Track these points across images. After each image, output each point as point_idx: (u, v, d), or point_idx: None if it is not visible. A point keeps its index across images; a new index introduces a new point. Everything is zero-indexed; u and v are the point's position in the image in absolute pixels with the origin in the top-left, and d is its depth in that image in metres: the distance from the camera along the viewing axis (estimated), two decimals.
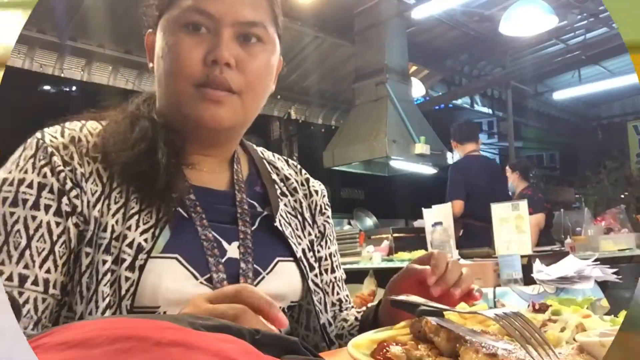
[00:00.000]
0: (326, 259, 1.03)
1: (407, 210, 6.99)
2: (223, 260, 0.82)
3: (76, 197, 0.78)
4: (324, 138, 6.53)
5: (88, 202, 0.78)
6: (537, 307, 0.67)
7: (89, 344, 0.33)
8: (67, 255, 0.77)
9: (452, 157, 5.38)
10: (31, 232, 0.74)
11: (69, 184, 0.78)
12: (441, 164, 5.68)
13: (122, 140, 0.81)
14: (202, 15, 0.80)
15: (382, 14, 5.70)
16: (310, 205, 1.03)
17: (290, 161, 1.08)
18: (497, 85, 9.08)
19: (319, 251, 1.01)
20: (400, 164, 5.45)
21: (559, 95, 9.48)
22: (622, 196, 7.91)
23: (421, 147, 5.24)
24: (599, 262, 2.65)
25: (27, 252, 0.73)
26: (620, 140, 11.10)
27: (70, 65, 6.13)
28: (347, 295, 1.06)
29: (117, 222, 0.78)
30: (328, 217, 1.07)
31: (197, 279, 0.79)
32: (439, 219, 3.19)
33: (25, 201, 0.75)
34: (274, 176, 1.00)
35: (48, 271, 0.74)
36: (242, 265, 0.84)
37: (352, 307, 1.07)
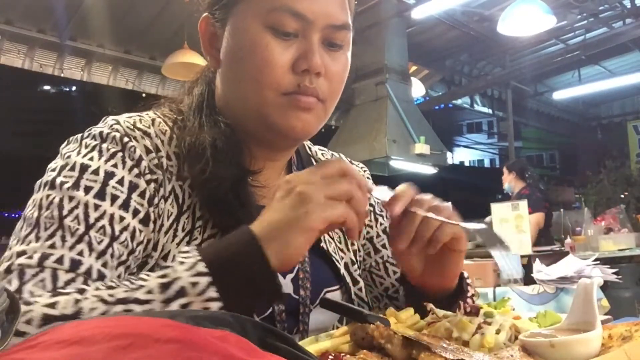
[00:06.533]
0: (379, 236, 0.99)
1: None
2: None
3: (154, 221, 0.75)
4: (324, 138, 6.52)
5: (161, 225, 0.75)
6: (468, 309, 0.68)
7: (88, 342, 0.33)
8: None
9: (451, 157, 5.38)
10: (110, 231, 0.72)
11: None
12: (441, 164, 5.69)
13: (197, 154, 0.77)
14: (295, 18, 0.74)
15: (382, 13, 5.70)
16: None
17: (334, 155, 1.04)
18: (497, 85, 9.08)
19: (368, 232, 0.98)
20: (400, 164, 5.45)
21: (559, 95, 9.48)
22: (622, 196, 7.92)
23: (421, 147, 5.25)
24: (599, 262, 2.66)
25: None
26: (620, 140, 11.13)
27: (70, 65, 6.13)
28: None
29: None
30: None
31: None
32: None
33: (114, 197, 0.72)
34: None
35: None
36: (301, 293, 0.82)
37: None
